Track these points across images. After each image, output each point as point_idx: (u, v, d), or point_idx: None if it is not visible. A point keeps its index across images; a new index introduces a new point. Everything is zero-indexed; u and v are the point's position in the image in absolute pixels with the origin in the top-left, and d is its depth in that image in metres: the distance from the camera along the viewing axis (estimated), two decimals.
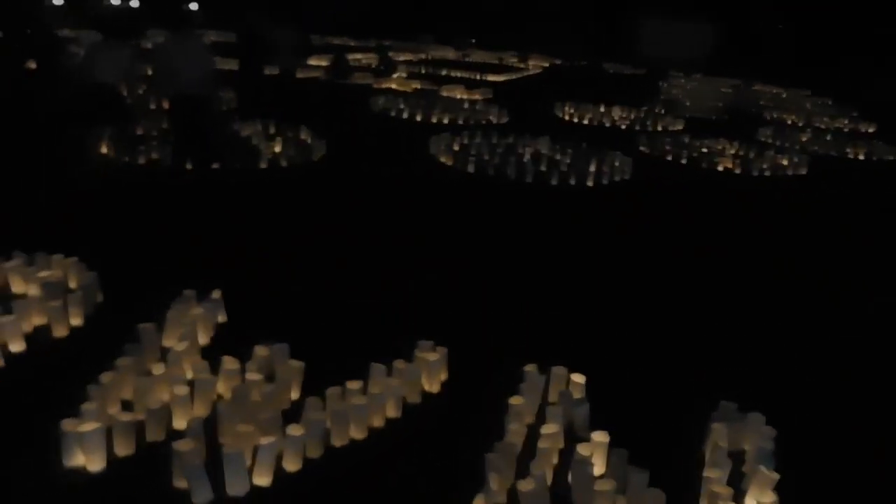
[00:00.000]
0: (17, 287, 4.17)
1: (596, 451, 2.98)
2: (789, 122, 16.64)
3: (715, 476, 2.85)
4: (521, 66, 27.91)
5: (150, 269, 4.67)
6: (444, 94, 15.63)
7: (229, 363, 3.31)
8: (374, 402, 3.19)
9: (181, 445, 2.69)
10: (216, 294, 4.02)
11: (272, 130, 9.38)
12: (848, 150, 12.72)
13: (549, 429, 3.08)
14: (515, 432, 3.06)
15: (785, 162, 10.65)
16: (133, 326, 3.54)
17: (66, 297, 3.84)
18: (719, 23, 38.73)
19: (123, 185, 6.62)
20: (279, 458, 2.86)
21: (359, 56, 21.85)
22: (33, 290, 4.06)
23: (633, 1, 40.79)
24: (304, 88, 13.67)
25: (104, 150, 7.62)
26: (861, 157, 12.40)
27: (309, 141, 9.05)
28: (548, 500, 2.70)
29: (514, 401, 3.25)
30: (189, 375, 3.33)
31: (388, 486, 2.84)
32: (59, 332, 3.74)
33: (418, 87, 16.69)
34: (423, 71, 20.93)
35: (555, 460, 2.98)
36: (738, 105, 17.50)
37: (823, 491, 3.01)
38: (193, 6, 31.41)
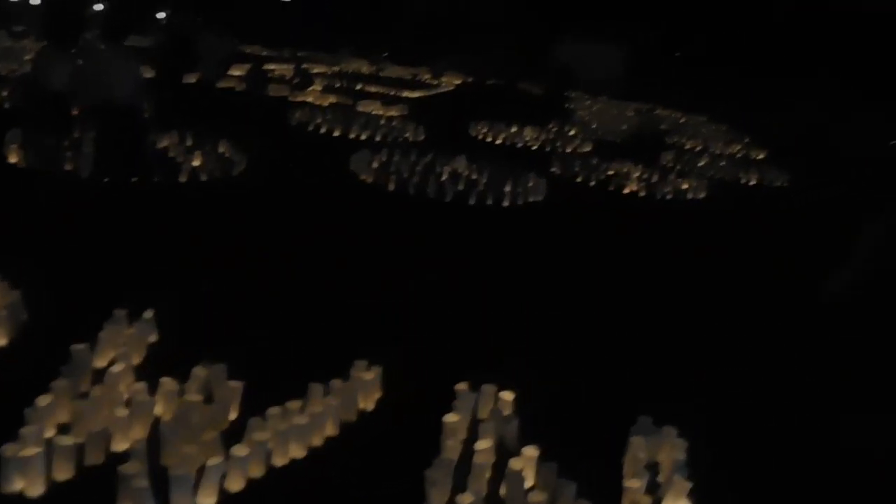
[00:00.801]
0: None
1: (527, 465, 3.17)
2: (688, 146, 17.58)
3: (635, 486, 3.10)
4: (435, 82, 28.33)
5: (75, 285, 4.59)
6: (361, 109, 15.72)
7: (168, 384, 3.33)
8: (313, 421, 3.29)
9: (127, 468, 2.72)
10: (148, 314, 4.01)
11: (190, 142, 9.25)
12: (741, 175, 13.59)
13: (482, 445, 3.26)
14: (451, 448, 3.22)
15: (685, 186, 11.30)
16: (62, 347, 3.51)
17: None
18: (628, 47, 40.45)
19: (40, 196, 6.43)
20: (222, 479, 2.92)
21: (273, 66, 21.65)
22: None
23: (546, 21, 42.10)
24: (222, 98, 13.48)
25: (15, 158, 7.37)
26: (752, 183, 13.27)
27: (228, 154, 8.99)
28: None
29: (449, 418, 3.42)
30: (126, 397, 3.33)
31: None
32: None
33: (334, 101, 16.72)
34: (339, 84, 20.97)
35: (488, 475, 3.16)
36: (642, 129, 18.37)
37: (733, 497, 3.31)
38: (98, 6, 30.47)
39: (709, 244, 8.18)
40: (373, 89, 21.35)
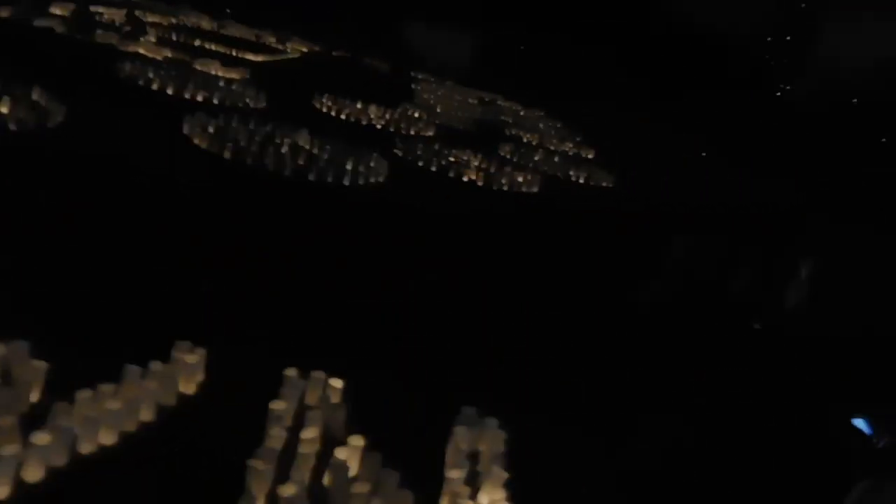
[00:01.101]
0: None
1: (352, 454, 3.17)
2: (525, 140, 18.26)
3: (455, 476, 3.19)
4: (280, 47, 27.39)
5: None
6: (199, 67, 14.89)
7: None
8: (128, 405, 3.09)
9: None
10: None
11: None
12: (571, 172, 14.32)
13: (308, 433, 3.21)
14: (276, 437, 3.15)
15: (521, 179, 11.74)
16: None
17: None
18: (479, 35, 41.19)
19: None
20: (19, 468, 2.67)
21: (102, 10, 19.95)
22: None
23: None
24: (38, 41, 12.25)
25: None
26: (581, 181, 14.03)
27: (43, 104, 8.18)
28: None
29: (275, 405, 3.34)
30: None
31: (141, 495, 2.79)
32: None
33: (169, 55, 15.71)
34: (175, 38, 19.71)
35: (312, 464, 3.13)
36: (484, 118, 18.86)
37: (548, 488, 3.50)
38: None
39: (538, 238, 8.55)
40: (212, 47, 20.28)
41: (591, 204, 12.18)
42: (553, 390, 4.60)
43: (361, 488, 2.95)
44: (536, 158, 14.80)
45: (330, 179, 8.52)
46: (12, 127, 7.18)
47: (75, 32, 14.94)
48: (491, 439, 3.53)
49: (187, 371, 3.47)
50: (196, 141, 8.67)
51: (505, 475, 3.25)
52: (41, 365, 3.14)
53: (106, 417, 2.98)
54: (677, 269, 6.47)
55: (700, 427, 4.64)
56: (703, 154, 27.10)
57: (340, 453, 3.11)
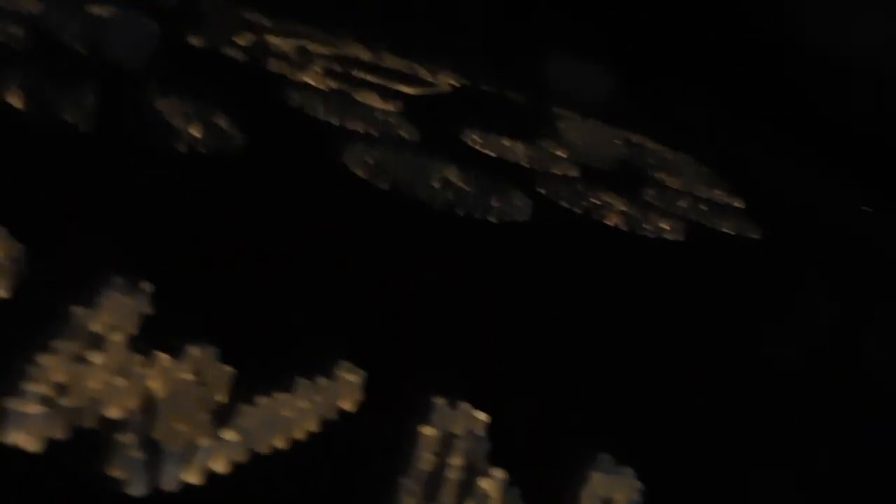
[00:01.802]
0: None
1: (493, 486, 3.37)
2: (671, 185, 17.96)
3: None
4: (431, 80, 28.43)
5: (74, 245, 4.67)
6: (359, 99, 15.80)
7: (163, 360, 3.46)
8: (299, 414, 3.45)
9: (123, 437, 2.85)
10: (145, 285, 4.12)
11: (188, 110, 9.27)
12: (718, 222, 13.96)
13: (454, 461, 3.44)
14: (425, 460, 3.40)
15: (665, 226, 11.61)
16: (62, 307, 3.62)
17: None
18: (623, 70, 40.96)
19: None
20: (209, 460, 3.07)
21: (276, 40, 21.57)
22: None
23: (542, 33, 42.55)
24: (225, 68, 13.47)
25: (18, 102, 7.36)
26: (730, 232, 13.64)
27: (226, 128, 9.04)
28: None
29: (425, 430, 3.60)
30: (122, 366, 3.45)
31: (304, 498, 3.12)
32: None
33: (332, 86, 16.76)
34: (339, 69, 20.97)
35: (457, 491, 3.35)
36: (629, 161, 18.71)
37: None
38: None
39: (680, 288, 8.46)
40: (371, 79, 21.43)
41: (734, 256, 11.82)
42: (688, 441, 4.60)
43: None
44: (681, 204, 14.57)
45: (477, 215, 8.85)
46: (202, 150, 8.01)
47: (253, 62, 16.29)
48: (627, 489, 3.62)
49: (349, 389, 3.81)
50: (357, 171, 9.26)
51: None
52: (228, 370, 3.56)
53: (280, 423, 3.34)
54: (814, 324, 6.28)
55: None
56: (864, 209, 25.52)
57: (484, 483, 3.31)
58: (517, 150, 15.12)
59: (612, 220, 11.05)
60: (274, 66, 16.88)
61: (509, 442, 3.75)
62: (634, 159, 20.74)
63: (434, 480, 3.32)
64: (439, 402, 3.83)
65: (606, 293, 7.43)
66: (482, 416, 3.86)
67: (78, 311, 3.61)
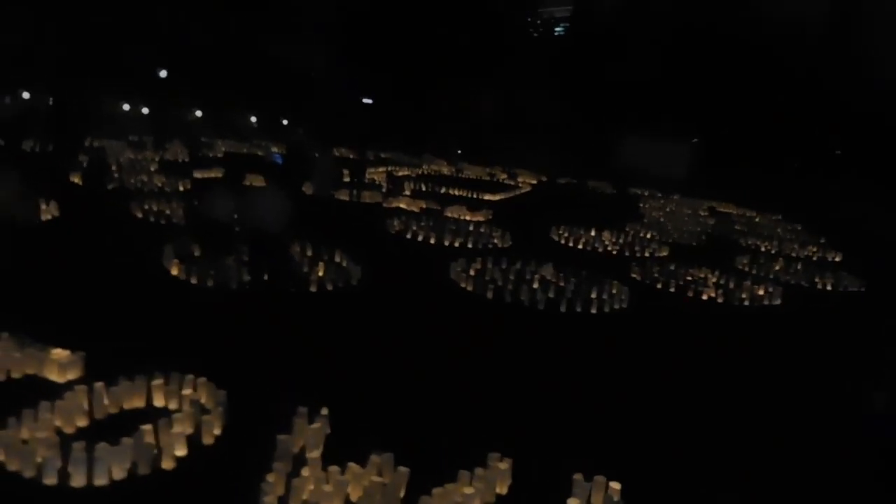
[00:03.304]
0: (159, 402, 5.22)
1: None
2: (763, 249, 18.19)
3: None
4: (511, 182, 29.77)
5: (263, 382, 5.72)
6: (449, 214, 17.03)
7: (354, 468, 4.35)
8: (465, 499, 4.24)
9: None
10: (324, 411, 5.07)
11: (310, 252, 10.57)
12: (816, 279, 14.14)
13: None
14: None
15: (761, 292, 11.99)
16: (265, 435, 4.60)
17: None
18: (696, 144, 41.43)
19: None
20: None
21: (373, 173, 23.35)
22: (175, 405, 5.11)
23: (614, 119, 43.77)
24: (334, 209, 15.01)
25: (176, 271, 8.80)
26: (829, 287, 13.80)
27: (344, 264, 10.25)
28: None
29: (571, 502, 4.31)
30: (324, 476, 4.35)
31: None
32: (207, 440, 4.78)
33: (423, 206, 18.11)
34: (424, 188, 22.48)
35: None
36: (717, 232, 19.10)
37: None
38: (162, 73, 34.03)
39: (783, 351, 8.84)
40: (456, 192, 22.79)
41: (838, 311, 11.97)
42: None
43: None
44: (777, 268, 14.84)
45: (578, 309, 9.59)
46: (329, 287, 9.18)
47: (352, 193, 17.86)
48: None
49: (501, 475, 4.58)
50: (462, 284, 10.25)
51: None
52: (405, 470, 4.40)
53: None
54: None
55: None
56: None
57: None
58: (605, 239, 15.90)
59: (707, 294, 11.54)
60: (368, 197, 18.52)
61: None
62: (722, 228, 21.13)
63: None
64: (577, 477, 4.53)
65: (709, 364, 7.94)
66: (616, 485, 4.54)
67: (282, 438, 4.57)
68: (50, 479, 4.18)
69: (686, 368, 7.72)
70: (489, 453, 4.71)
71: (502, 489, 4.57)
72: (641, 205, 25.53)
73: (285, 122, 40.87)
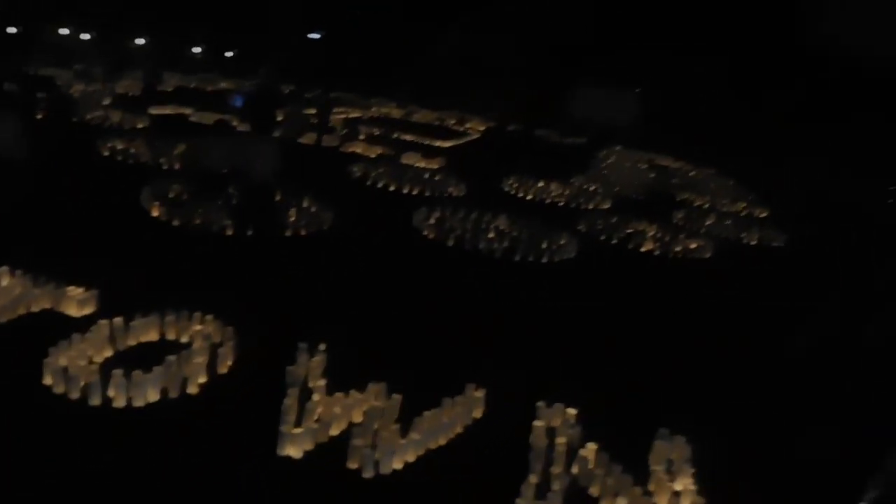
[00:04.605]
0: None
1: (591, 453, 4.96)
2: (696, 204, 19.39)
3: (658, 468, 4.88)
4: (460, 129, 30.34)
5: (263, 321, 6.42)
6: (404, 161, 17.61)
7: (356, 395, 5.16)
8: (450, 421, 5.11)
9: (356, 441, 4.55)
10: (322, 346, 5.83)
11: (280, 198, 11.11)
12: (743, 234, 15.37)
13: (560, 440, 5.05)
14: (539, 439, 5.02)
15: (693, 245, 13.11)
16: (273, 366, 5.37)
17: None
18: (643, 91, 42.16)
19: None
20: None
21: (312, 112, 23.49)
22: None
23: (564, 65, 44.19)
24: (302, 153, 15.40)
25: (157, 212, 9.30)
26: (753, 243, 15.05)
27: (313, 209, 10.85)
28: None
29: (536, 423, 5.22)
30: (332, 401, 5.14)
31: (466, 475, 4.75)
32: (222, 370, 5.52)
33: (380, 152, 18.62)
34: (376, 132, 22.89)
35: (563, 459, 4.95)
36: (656, 187, 20.23)
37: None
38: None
39: (711, 303, 9.90)
40: (408, 138, 23.24)
41: (761, 271, 13.00)
42: (727, 419, 6.12)
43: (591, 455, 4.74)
44: (708, 223, 16.00)
45: (531, 259, 10.48)
46: (302, 232, 9.82)
47: (319, 136, 18.10)
48: (681, 450, 5.18)
49: (477, 403, 5.45)
50: (425, 232, 11.01)
51: (691, 471, 4.90)
52: (398, 396, 5.22)
53: (441, 428, 4.99)
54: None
55: None
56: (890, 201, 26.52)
57: (584, 452, 4.92)
58: (553, 190, 16.79)
59: (647, 247, 12.60)
60: (325, 140, 18.87)
61: (594, 427, 5.33)
62: (661, 183, 22.28)
63: (546, 455, 4.93)
64: (540, 404, 5.45)
65: (644, 314, 8.92)
66: (572, 410, 5.47)
67: (290, 369, 5.34)
68: (95, 401, 4.85)
69: (629, 312, 8.72)
70: (466, 384, 5.57)
71: (477, 414, 5.46)
72: (586, 156, 26.45)
73: (231, 54, 40.02)
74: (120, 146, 13.30)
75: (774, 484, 5.26)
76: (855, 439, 5.89)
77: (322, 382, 5.27)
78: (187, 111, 20.01)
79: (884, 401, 6.80)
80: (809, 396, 6.86)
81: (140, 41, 38.02)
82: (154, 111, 18.80)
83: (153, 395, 4.98)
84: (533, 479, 4.58)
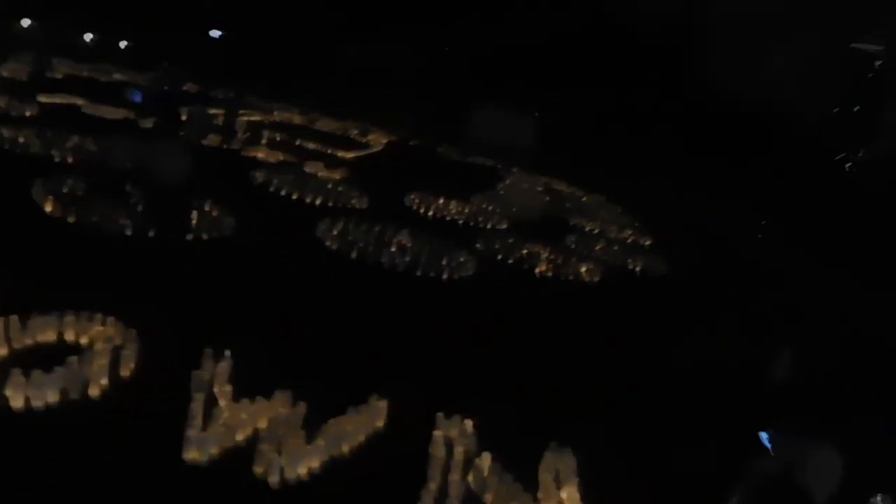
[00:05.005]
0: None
1: (484, 463, 5.26)
2: (587, 229, 20.28)
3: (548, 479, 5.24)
4: (363, 140, 30.39)
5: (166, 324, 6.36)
6: (308, 170, 17.52)
7: (261, 402, 5.25)
8: (355, 429, 5.29)
9: (261, 446, 4.65)
10: (227, 353, 5.87)
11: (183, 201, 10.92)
12: (629, 261, 16.24)
13: (457, 450, 5.33)
14: (438, 450, 5.28)
15: (584, 269, 13.79)
16: (178, 370, 5.39)
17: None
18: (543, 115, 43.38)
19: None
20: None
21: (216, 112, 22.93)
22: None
23: (465, 83, 44.96)
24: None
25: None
26: (637, 270, 15.92)
27: (215, 214, 10.73)
28: None
29: (437, 433, 5.48)
30: (238, 409, 5.21)
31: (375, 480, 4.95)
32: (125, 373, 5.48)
33: (282, 158, 18.47)
34: (279, 138, 22.60)
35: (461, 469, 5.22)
36: (549, 211, 21.01)
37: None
38: None
39: (600, 324, 10.49)
40: (311, 146, 23.01)
41: (645, 296, 13.79)
42: (610, 436, 6.59)
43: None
44: (598, 248, 16.80)
45: (432, 274, 10.78)
46: (204, 236, 9.71)
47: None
48: (568, 461, 5.57)
49: (379, 413, 5.66)
50: (328, 244, 11.09)
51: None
52: (303, 406, 5.35)
53: (345, 436, 5.16)
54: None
55: None
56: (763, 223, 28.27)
57: (480, 462, 5.21)
58: (454, 209, 17.18)
59: (540, 269, 13.17)
60: (235, 144, 18.45)
61: (489, 438, 5.64)
62: (556, 206, 23.15)
63: (444, 464, 5.20)
64: (440, 415, 5.72)
65: (537, 335, 9.33)
66: (469, 422, 5.76)
67: (196, 374, 5.37)
68: None
69: (524, 329, 9.14)
70: (371, 394, 5.77)
71: (380, 423, 5.67)
72: (486, 176, 27.08)
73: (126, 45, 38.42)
74: (7, 134, 12.67)
75: (654, 493, 5.74)
76: (726, 449, 6.49)
77: (228, 388, 5.34)
78: (79, 101, 19.18)
79: (751, 412, 7.50)
80: (688, 410, 7.48)
81: (26, 22, 35.98)
82: (44, 99, 17.94)
83: (53, 397, 4.91)
84: (432, 486, 4.83)
